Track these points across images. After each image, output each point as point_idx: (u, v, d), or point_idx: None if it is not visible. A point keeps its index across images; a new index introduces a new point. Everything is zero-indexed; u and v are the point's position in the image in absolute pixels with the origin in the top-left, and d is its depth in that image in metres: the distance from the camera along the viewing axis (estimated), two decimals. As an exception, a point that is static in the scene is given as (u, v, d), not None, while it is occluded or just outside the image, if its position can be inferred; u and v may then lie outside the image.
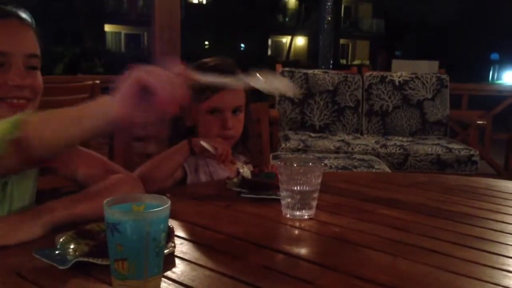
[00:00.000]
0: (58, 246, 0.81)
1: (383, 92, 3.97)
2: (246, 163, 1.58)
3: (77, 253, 0.80)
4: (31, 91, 0.99)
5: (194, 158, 1.43)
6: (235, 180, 1.32)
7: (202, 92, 1.42)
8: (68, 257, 0.78)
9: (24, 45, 0.99)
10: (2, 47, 0.96)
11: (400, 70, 4.30)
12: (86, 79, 3.47)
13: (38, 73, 1.02)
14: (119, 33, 25.24)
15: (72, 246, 0.81)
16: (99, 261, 0.77)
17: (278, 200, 1.14)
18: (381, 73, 4.12)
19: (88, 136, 0.80)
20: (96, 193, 1.00)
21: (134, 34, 25.18)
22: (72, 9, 19.64)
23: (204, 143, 1.31)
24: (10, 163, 0.78)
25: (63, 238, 0.83)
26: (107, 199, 0.71)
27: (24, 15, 1.02)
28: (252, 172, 1.37)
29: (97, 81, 2.95)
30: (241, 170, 1.30)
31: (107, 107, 0.78)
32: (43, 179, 1.14)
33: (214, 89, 1.42)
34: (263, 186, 1.26)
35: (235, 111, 1.45)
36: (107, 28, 23.99)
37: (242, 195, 1.24)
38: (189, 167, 1.44)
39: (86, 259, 0.77)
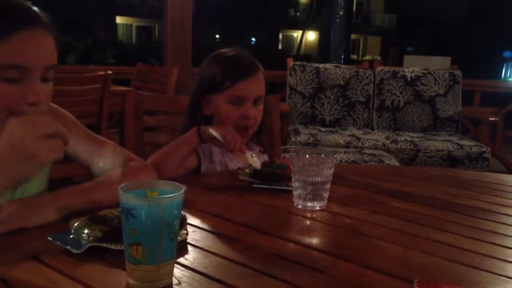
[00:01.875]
0: (73, 231, 0.82)
1: (395, 87, 3.95)
2: (261, 152, 1.58)
3: (91, 238, 0.81)
4: (44, 105, 0.96)
5: (209, 147, 1.44)
6: (247, 170, 1.33)
7: (224, 81, 1.42)
8: (82, 241, 0.79)
9: (45, 57, 0.94)
10: (24, 61, 0.90)
11: (412, 66, 4.28)
12: (98, 69, 3.49)
13: (51, 84, 0.98)
14: (131, 25, 25.29)
15: (86, 231, 0.82)
16: (112, 246, 0.77)
17: (290, 191, 1.14)
18: (393, 68, 4.09)
19: None
20: (110, 180, 1.01)
21: (145, 26, 25.22)
22: (85, 1, 19.70)
23: (212, 131, 1.31)
24: None
25: (77, 223, 0.84)
26: (122, 185, 0.71)
27: (45, 19, 0.96)
28: (264, 163, 1.37)
29: (110, 72, 2.95)
30: (249, 160, 1.30)
31: None
32: (55, 168, 1.15)
33: (236, 78, 1.42)
34: (275, 176, 1.27)
35: (255, 101, 1.45)
36: (119, 20, 24.06)
37: (254, 185, 1.24)
38: (204, 156, 1.44)
39: (99, 244, 0.78)
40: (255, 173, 1.29)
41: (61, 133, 0.83)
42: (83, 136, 1.13)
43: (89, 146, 1.12)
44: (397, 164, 3.06)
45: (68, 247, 0.77)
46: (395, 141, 3.51)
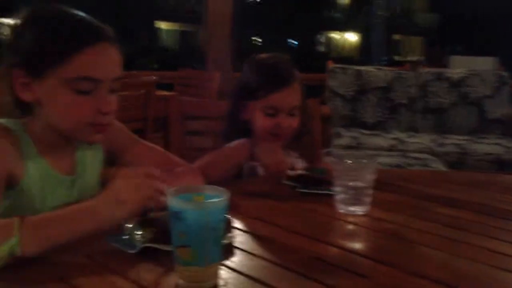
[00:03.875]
0: (127, 232, 0.86)
1: (440, 89, 3.87)
2: (297, 158, 1.60)
3: (144, 239, 0.84)
4: (113, 115, 1.04)
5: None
6: (290, 174, 1.34)
7: (260, 90, 1.44)
8: (136, 242, 0.83)
9: (113, 69, 1.01)
10: (96, 73, 0.97)
11: (458, 67, 4.19)
12: (142, 75, 3.58)
13: (116, 95, 1.04)
14: (173, 30, 25.73)
15: (139, 233, 0.86)
16: (164, 247, 0.81)
17: (332, 196, 1.15)
18: (437, 69, 4.01)
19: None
20: None
21: (188, 31, 25.60)
22: (128, 7, 20.19)
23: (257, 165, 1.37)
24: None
25: (131, 225, 0.88)
26: (170, 189, 0.75)
27: (111, 33, 1.02)
28: (305, 168, 1.40)
29: (153, 77, 3.04)
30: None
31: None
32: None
33: (272, 89, 1.43)
34: (317, 181, 1.28)
35: (290, 111, 1.45)
36: (162, 25, 24.52)
37: (296, 189, 1.26)
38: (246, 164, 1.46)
39: (152, 245, 0.82)
40: (298, 177, 1.30)
41: (155, 186, 0.88)
42: (145, 149, 1.18)
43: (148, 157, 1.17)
44: (443, 168, 3.00)
45: (123, 248, 0.82)
46: (441, 144, 3.44)
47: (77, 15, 1.01)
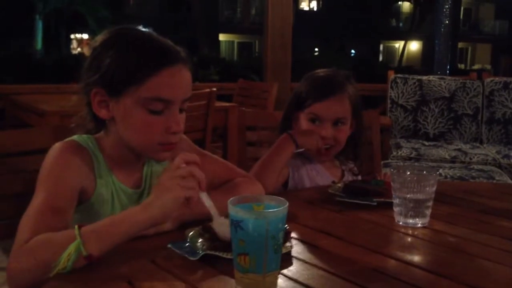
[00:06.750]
0: (188, 240, 0.91)
1: (507, 99, 3.72)
2: (353, 173, 1.60)
3: (204, 246, 0.88)
4: (181, 133, 1.07)
5: (297, 164, 1.49)
6: (339, 185, 1.35)
7: (307, 99, 1.46)
8: (197, 250, 0.87)
9: (185, 90, 1.03)
10: (169, 95, 1.00)
11: (526, 75, 3.99)
12: (203, 86, 3.68)
13: (184, 113, 1.08)
14: (232, 41, 26.15)
15: (200, 240, 0.90)
16: (223, 255, 0.84)
17: (392, 208, 1.14)
18: (504, 78, 3.85)
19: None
20: (220, 193, 1.08)
21: (246, 42, 25.93)
22: (189, 19, 20.77)
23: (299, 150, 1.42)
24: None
25: (192, 232, 0.92)
26: (231, 199, 0.78)
27: (185, 55, 1.05)
28: (363, 179, 1.41)
29: (214, 89, 3.11)
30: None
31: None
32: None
33: (316, 97, 1.45)
34: (363, 192, 1.27)
35: (336, 122, 1.46)
36: (221, 37, 25.00)
37: (337, 198, 1.26)
38: (292, 171, 1.48)
39: (212, 253, 0.85)
40: (344, 187, 1.31)
41: (194, 175, 0.92)
42: (208, 161, 1.22)
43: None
44: (510, 180, 2.87)
45: (185, 255, 0.86)
46: (507, 156, 3.30)
47: (156, 37, 1.05)
